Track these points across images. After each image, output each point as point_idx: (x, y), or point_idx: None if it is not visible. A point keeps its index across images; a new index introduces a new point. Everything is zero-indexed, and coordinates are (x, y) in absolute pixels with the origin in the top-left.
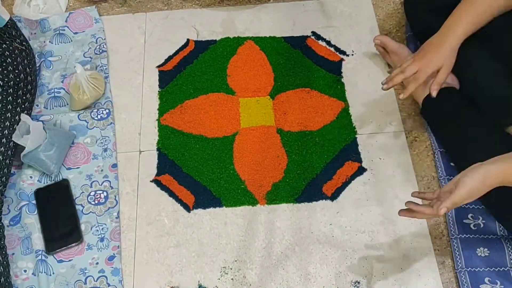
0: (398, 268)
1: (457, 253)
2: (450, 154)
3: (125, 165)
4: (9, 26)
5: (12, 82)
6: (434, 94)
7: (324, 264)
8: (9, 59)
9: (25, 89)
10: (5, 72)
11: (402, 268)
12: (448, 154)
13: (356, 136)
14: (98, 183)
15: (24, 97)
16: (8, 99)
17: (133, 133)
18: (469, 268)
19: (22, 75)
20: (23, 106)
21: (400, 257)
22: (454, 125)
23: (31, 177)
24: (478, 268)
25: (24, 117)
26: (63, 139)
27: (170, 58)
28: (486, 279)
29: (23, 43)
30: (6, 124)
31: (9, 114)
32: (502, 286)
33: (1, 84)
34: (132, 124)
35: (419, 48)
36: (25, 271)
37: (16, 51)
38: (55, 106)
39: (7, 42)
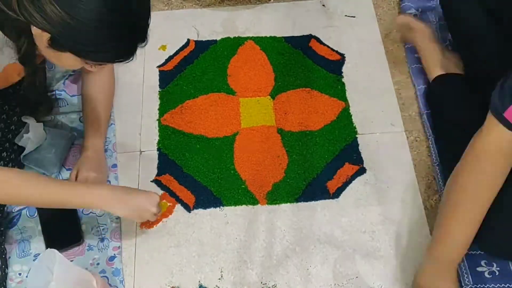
0: (399, 268)
1: None
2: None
3: (126, 165)
4: None
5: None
6: None
7: (324, 264)
8: None
9: None
10: None
11: (403, 268)
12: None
13: (357, 136)
14: None
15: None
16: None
17: (134, 133)
18: None
19: None
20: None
21: (401, 258)
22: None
23: None
24: None
25: (25, 118)
26: (63, 140)
27: (170, 58)
28: None
29: None
30: (11, 128)
31: (15, 117)
32: None
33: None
34: (133, 124)
35: (415, 283)
36: (19, 274)
37: None
38: (55, 107)
39: None
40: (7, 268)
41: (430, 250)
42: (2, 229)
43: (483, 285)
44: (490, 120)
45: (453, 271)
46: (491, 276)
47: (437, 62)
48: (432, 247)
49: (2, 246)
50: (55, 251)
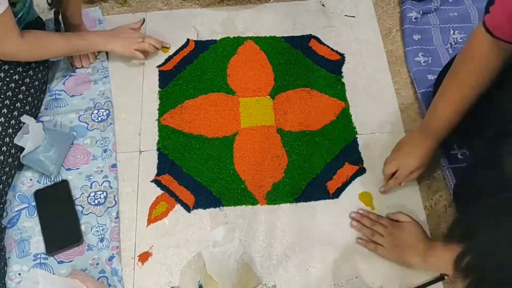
0: (399, 268)
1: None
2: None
3: (125, 165)
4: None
5: (25, 81)
6: (402, 184)
7: (324, 264)
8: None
9: (37, 93)
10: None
11: (402, 268)
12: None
13: (357, 136)
14: (98, 183)
15: (34, 96)
16: (19, 96)
17: (133, 133)
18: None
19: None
20: (32, 104)
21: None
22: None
23: (30, 179)
24: None
25: (24, 118)
26: (62, 140)
27: (170, 58)
28: None
29: None
30: (11, 122)
31: (16, 112)
32: None
33: (12, 86)
34: (132, 124)
35: (398, 144)
36: (19, 274)
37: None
38: (55, 107)
39: None
40: (6, 266)
41: (419, 125)
42: (3, 226)
43: (457, 164)
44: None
45: (430, 141)
46: (462, 157)
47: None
48: (421, 124)
49: (2, 244)
50: (38, 270)
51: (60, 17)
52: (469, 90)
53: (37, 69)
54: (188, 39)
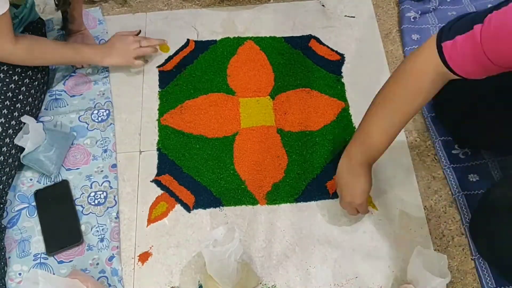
0: (398, 268)
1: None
2: None
3: (125, 165)
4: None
5: (25, 81)
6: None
7: (324, 264)
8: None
9: (37, 93)
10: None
11: (402, 268)
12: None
13: None
14: (98, 183)
15: (34, 97)
16: (19, 97)
17: (133, 133)
18: None
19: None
20: (32, 105)
21: (401, 257)
22: None
23: (30, 179)
24: None
25: (24, 118)
26: (62, 140)
27: (170, 58)
28: None
29: None
30: (12, 123)
31: (16, 113)
32: None
33: (12, 86)
34: (132, 124)
35: (340, 180)
36: (19, 274)
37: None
38: (55, 107)
39: None
40: (6, 266)
41: (347, 148)
42: (3, 226)
43: (458, 164)
44: (430, 41)
45: (365, 168)
46: (464, 156)
47: None
48: (348, 145)
49: (2, 243)
50: (38, 270)
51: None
52: (405, 114)
53: (36, 70)
54: (188, 39)
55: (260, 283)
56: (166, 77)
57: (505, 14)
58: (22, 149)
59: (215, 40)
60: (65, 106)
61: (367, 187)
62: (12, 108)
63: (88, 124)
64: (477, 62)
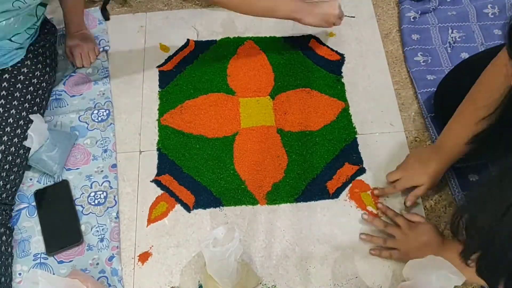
0: (398, 268)
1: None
2: None
3: (125, 165)
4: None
5: (33, 81)
6: (408, 204)
7: (324, 264)
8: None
9: (45, 94)
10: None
11: (402, 268)
12: None
13: (356, 136)
14: (98, 183)
15: (42, 98)
16: (27, 97)
17: (133, 133)
18: None
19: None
20: (40, 105)
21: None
22: None
23: (30, 179)
24: None
25: (33, 116)
26: (65, 140)
27: (170, 58)
28: None
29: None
30: (20, 123)
31: (24, 113)
32: None
33: (19, 86)
34: (132, 124)
35: (406, 158)
36: (20, 274)
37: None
38: (55, 107)
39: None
40: (10, 267)
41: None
42: (12, 227)
43: (458, 164)
44: (504, 50)
45: (439, 161)
46: (464, 156)
47: None
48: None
49: (12, 245)
50: (37, 270)
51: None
52: (484, 112)
53: (44, 71)
54: (188, 39)
55: (260, 283)
56: (166, 77)
57: None
58: (29, 149)
59: (215, 40)
60: (65, 106)
61: (431, 179)
62: (20, 108)
63: (88, 124)
64: None
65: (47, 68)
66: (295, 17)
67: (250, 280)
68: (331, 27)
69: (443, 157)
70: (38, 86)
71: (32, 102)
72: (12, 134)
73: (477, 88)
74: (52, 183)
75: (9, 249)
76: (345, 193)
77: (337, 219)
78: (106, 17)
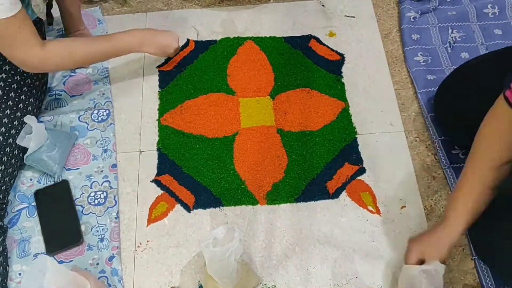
0: (398, 268)
1: None
2: None
3: (125, 165)
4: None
5: (27, 81)
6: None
7: (324, 264)
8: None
9: (38, 93)
10: (21, 72)
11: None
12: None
13: (356, 136)
14: (98, 183)
15: (35, 97)
16: (21, 97)
17: (133, 133)
18: None
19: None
20: (34, 105)
21: (400, 258)
22: None
23: (30, 179)
24: None
25: (27, 118)
26: (65, 140)
27: (170, 58)
28: None
29: None
30: (14, 123)
31: (18, 113)
32: None
33: (15, 87)
34: (132, 124)
35: (420, 236)
36: (19, 274)
37: None
38: (55, 107)
39: None
40: (8, 266)
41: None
42: (5, 226)
43: (458, 164)
44: (499, 99)
45: (453, 236)
46: (464, 156)
47: None
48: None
49: (4, 244)
50: (47, 257)
51: (60, 16)
52: (503, 158)
53: None
54: (188, 39)
55: (260, 283)
56: (166, 77)
57: None
58: (24, 150)
59: (215, 40)
60: (65, 106)
61: (447, 254)
62: (14, 108)
63: (88, 124)
64: None
65: None
66: (132, 50)
67: (250, 280)
68: (165, 57)
69: (455, 235)
70: (32, 86)
71: (27, 102)
72: (6, 134)
73: (484, 143)
74: (52, 183)
75: (1, 248)
76: (345, 193)
77: (337, 219)
78: (50, 22)
